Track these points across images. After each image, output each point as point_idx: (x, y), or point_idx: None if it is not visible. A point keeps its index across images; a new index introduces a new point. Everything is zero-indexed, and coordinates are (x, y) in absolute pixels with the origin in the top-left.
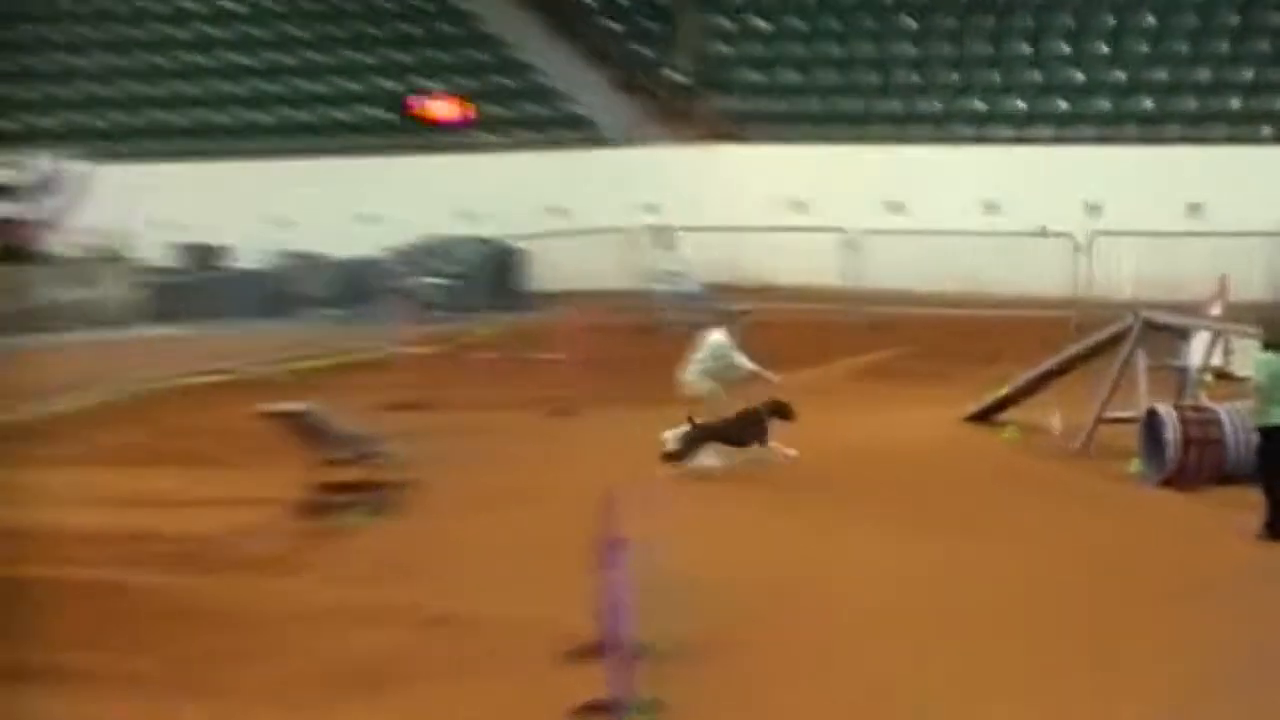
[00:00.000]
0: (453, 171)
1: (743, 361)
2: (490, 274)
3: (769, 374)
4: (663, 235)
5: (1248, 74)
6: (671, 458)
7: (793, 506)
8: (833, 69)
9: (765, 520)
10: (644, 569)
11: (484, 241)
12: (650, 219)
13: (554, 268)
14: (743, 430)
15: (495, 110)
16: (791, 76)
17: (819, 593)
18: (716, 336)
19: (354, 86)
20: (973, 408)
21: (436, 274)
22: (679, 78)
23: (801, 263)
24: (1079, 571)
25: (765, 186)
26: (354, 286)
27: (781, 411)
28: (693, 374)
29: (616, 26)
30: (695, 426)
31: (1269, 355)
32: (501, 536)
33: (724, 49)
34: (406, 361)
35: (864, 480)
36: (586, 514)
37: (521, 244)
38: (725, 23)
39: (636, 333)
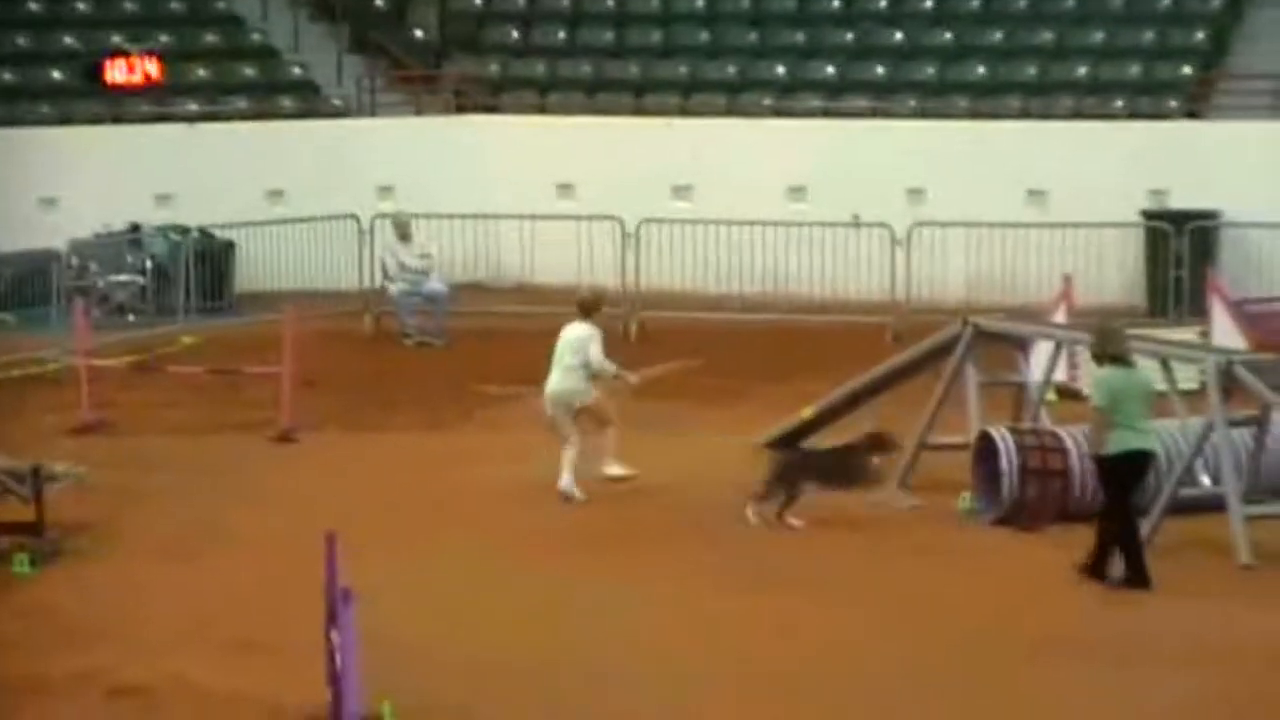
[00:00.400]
0: (147, 147)
1: (599, 360)
2: (192, 270)
3: (628, 375)
4: (400, 224)
5: (1096, 36)
6: (760, 498)
7: (566, 556)
8: (606, 27)
9: (535, 570)
10: (378, 627)
11: (184, 231)
12: (385, 205)
13: (269, 263)
14: (845, 468)
15: (199, 73)
16: (555, 35)
17: (593, 661)
18: (577, 329)
19: (23, 42)
20: (773, 432)
21: (127, 270)
22: (420, 35)
23: (568, 257)
24: (894, 630)
25: (524, 167)
26: (26, 285)
27: (882, 445)
28: (560, 382)
29: None
30: (787, 459)
31: (1110, 371)
32: (202, 588)
33: (475, 2)
34: (90, 375)
35: (646, 523)
36: (308, 561)
37: (230, 234)
38: None
39: (370, 341)
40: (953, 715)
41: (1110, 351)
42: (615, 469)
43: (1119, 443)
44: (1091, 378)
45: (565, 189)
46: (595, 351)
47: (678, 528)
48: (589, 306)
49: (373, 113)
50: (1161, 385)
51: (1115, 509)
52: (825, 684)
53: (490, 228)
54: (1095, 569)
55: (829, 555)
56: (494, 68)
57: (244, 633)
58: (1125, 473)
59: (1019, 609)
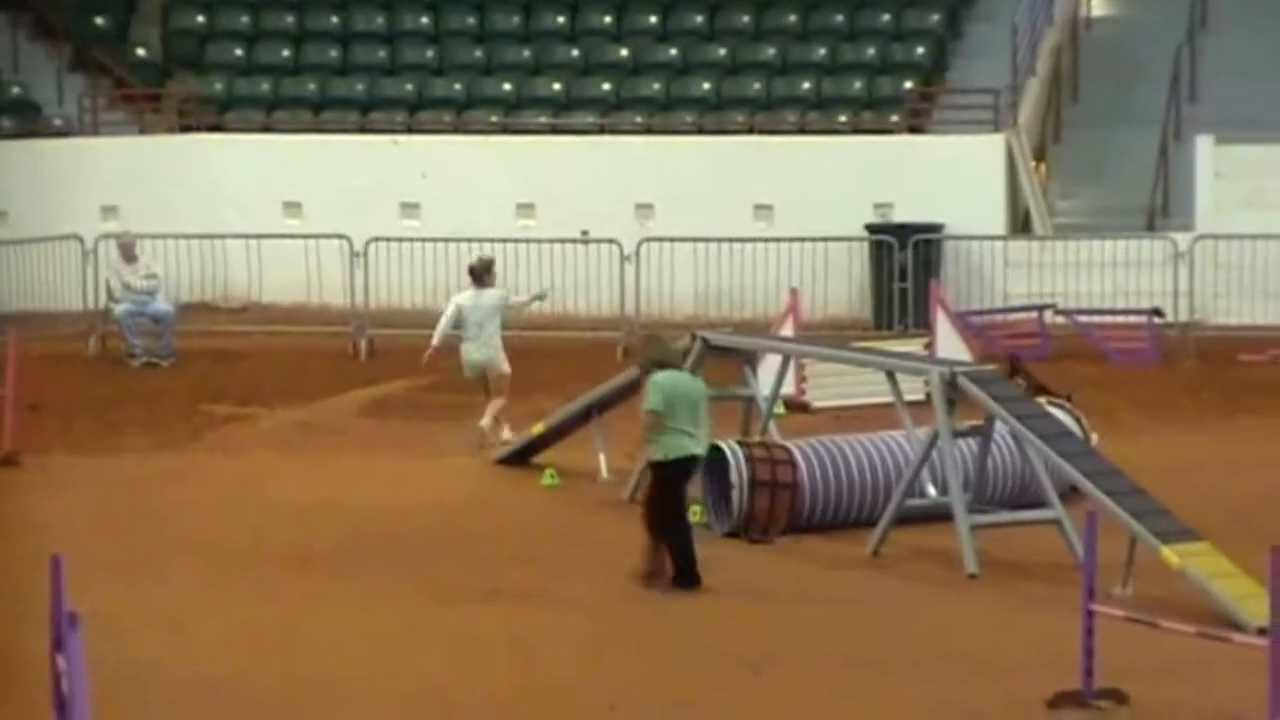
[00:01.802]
0: None
1: (521, 301)
2: None
3: (534, 294)
4: (125, 245)
5: (819, 52)
6: None
7: (301, 575)
8: (330, 44)
9: (268, 589)
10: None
11: None
12: (110, 225)
13: None
14: None
15: None
16: (280, 53)
17: (330, 680)
18: (487, 296)
19: None
20: (504, 450)
21: None
22: (143, 54)
23: (296, 276)
24: (624, 642)
25: (250, 185)
26: None
27: None
28: (483, 351)
29: None
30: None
31: (664, 376)
32: None
33: (199, 19)
34: None
35: (381, 540)
36: (33, 586)
37: None
38: None
39: (96, 363)
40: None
41: (658, 360)
42: (509, 434)
43: (675, 448)
44: (650, 384)
45: (292, 207)
46: (514, 301)
47: (411, 545)
48: (483, 270)
49: (96, 132)
50: (882, 397)
51: (668, 512)
52: (553, 701)
53: (217, 247)
54: (687, 576)
55: (561, 566)
56: (218, 86)
57: None
58: (678, 476)
59: (748, 619)
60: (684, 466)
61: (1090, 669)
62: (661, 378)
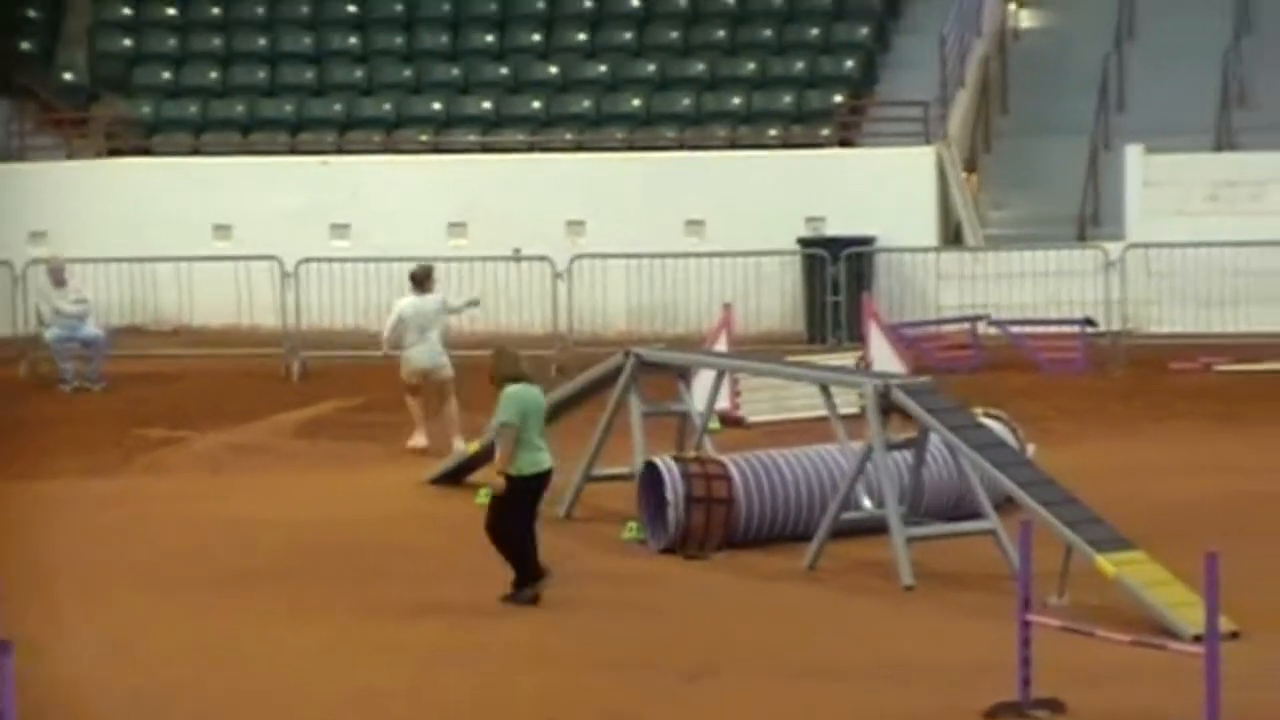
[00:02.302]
0: None
1: (459, 304)
2: None
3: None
4: (54, 269)
5: (748, 66)
6: None
7: (237, 592)
8: (257, 65)
9: (205, 608)
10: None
11: None
12: (39, 250)
13: None
14: None
15: None
16: (207, 75)
17: (270, 699)
18: (427, 301)
19: None
20: (438, 468)
21: None
22: (70, 77)
23: (227, 298)
24: (558, 657)
25: (179, 208)
26: None
27: None
28: (431, 355)
29: None
30: None
31: (518, 388)
32: None
33: (125, 42)
34: None
35: (320, 558)
36: None
37: None
38: (126, 10)
39: (26, 388)
40: None
41: (510, 374)
42: (462, 444)
43: (530, 463)
44: (502, 397)
45: (222, 229)
46: (452, 303)
47: (347, 561)
48: (424, 276)
49: (22, 157)
50: (817, 411)
51: (515, 524)
52: (494, 711)
53: (147, 270)
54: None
55: (498, 580)
56: (146, 109)
57: None
58: (532, 490)
59: (688, 632)
60: (539, 481)
61: (1027, 679)
62: (514, 390)
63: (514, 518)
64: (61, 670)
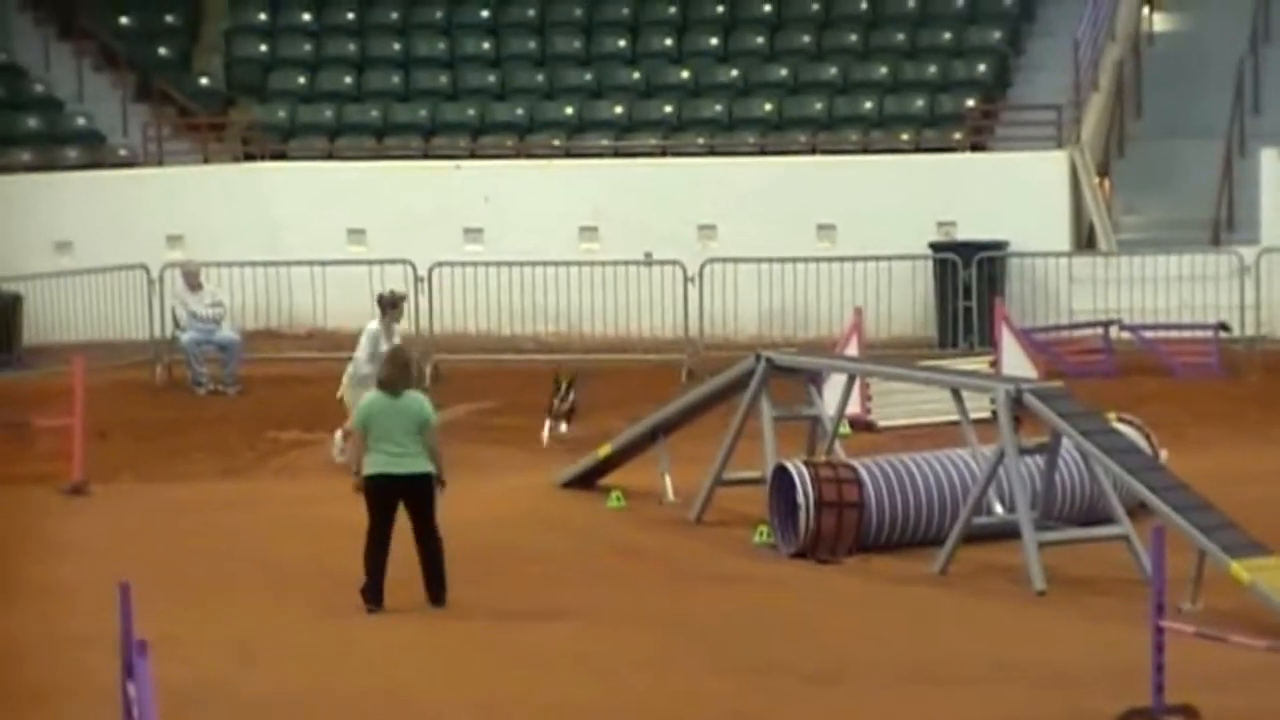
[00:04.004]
0: None
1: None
2: None
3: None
4: (190, 273)
5: (880, 70)
6: None
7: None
8: (391, 70)
9: (334, 611)
10: (176, 676)
11: None
12: (175, 254)
13: (58, 314)
14: None
15: None
16: (342, 80)
17: (400, 699)
18: (371, 325)
19: None
20: (571, 471)
21: None
22: (206, 82)
23: (360, 302)
24: (689, 660)
25: (314, 212)
26: None
27: None
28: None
29: (129, 21)
30: None
31: (372, 397)
32: None
33: (261, 47)
34: None
35: (450, 561)
36: (102, 612)
37: (16, 287)
38: (262, 16)
39: (161, 391)
40: None
41: (381, 379)
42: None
43: (370, 464)
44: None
45: (356, 233)
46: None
47: (475, 563)
48: (390, 304)
49: (160, 161)
50: (948, 415)
51: (371, 529)
52: (616, 716)
53: (281, 274)
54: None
55: (626, 584)
56: (281, 114)
57: (37, 684)
58: (373, 493)
59: (817, 636)
60: (378, 484)
61: (1160, 684)
62: (368, 399)
63: (370, 521)
64: (196, 671)
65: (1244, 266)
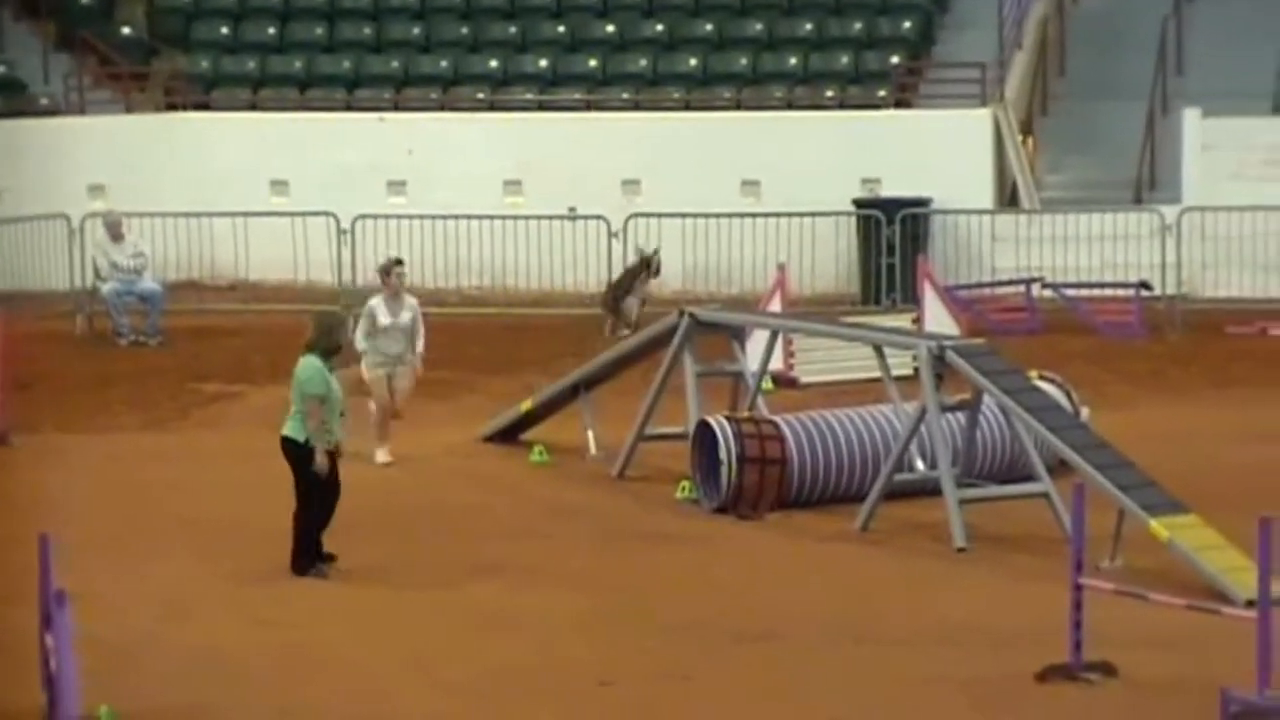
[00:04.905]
0: None
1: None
2: None
3: (415, 358)
4: (112, 223)
5: (806, 27)
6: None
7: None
8: (315, 21)
9: (256, 566)
10: (97, 629)
11: None
12: (97, 204)
13: None
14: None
15: None
16: (266, 31)
17: (321, 657)
18: (371, 301)
19: None
20: (492, 425)
21: None
22: (129, 32)
23: (283, 254)
24: (615, 618)
25: (237, 163)
26: None
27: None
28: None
29: None
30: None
31: (307, 359)
32: None
33: None
34: None
35: (371, 516)
36: (22, 564)
37: None
38: None
39: (84, 342)
40: (678, 699)
41: (333, 344)
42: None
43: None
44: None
45: (279, 185)
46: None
47: (401, 520)
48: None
49: (82, 111)
50: (870, 372)
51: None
52: (545, 674)
53: (204, 225)
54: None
55: (553, 541)
56: (205, 64)
57: None
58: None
59: (743, 594)
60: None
61: (1079, 642)
62: (306, 362)
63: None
64: (120, 625)
65: (1165, 226)
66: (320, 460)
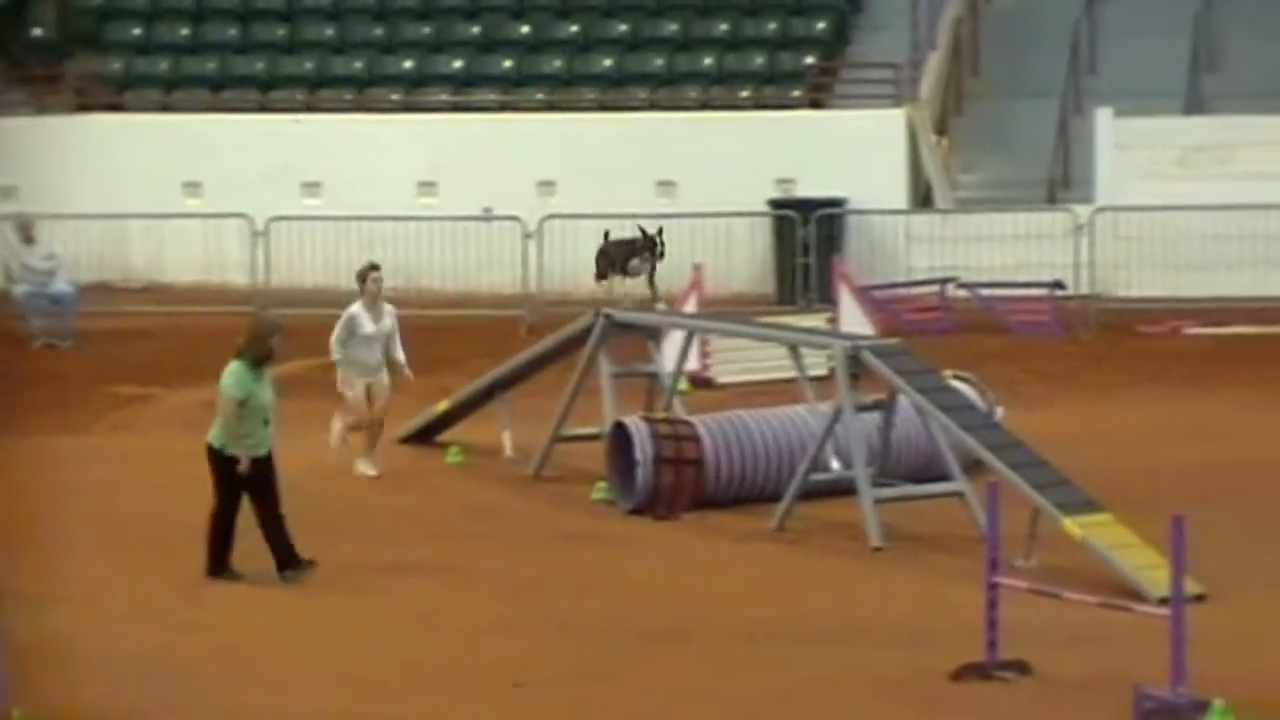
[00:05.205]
0: None
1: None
2: None
3: (405, 369)
4: (23, 226)
5: (721, 27)
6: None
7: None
8: (228, 22)
9: (172, 565)
10: (11, 631)
11: None
12: (8, 206)
13: None
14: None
15: None
16: (179, 32)
17: (240, 656)
18: (350, 309)
19: None
20: (409, 426)
21: None
22: (41, 33)
23: (197, 256)
24: (530, 619)
25: (150, 165)
26: None
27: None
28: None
29: None
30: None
31: (234, 364)
32: None
33: None
34: None
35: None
36: None
37: None
38: None
39: None
40: (593, 699)
41: (264, 351)
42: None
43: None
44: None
45: (192, 187)
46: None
47: (317, 521)
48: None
49: None
50: (786, 372)
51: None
52: (461, 674)
53: (117, 227)
54: (284, 562)
55: (470, 541)
56: (117, 65)
57: None
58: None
59: (658, 595)
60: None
61: (994, 640)
62: (232, 368)
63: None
64: (39, 629)
65: (1079, 225)
66: (243, 465)
